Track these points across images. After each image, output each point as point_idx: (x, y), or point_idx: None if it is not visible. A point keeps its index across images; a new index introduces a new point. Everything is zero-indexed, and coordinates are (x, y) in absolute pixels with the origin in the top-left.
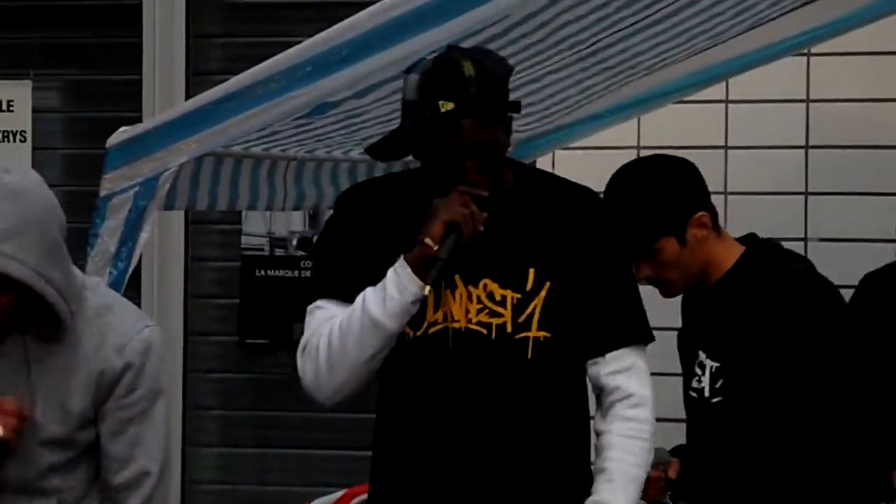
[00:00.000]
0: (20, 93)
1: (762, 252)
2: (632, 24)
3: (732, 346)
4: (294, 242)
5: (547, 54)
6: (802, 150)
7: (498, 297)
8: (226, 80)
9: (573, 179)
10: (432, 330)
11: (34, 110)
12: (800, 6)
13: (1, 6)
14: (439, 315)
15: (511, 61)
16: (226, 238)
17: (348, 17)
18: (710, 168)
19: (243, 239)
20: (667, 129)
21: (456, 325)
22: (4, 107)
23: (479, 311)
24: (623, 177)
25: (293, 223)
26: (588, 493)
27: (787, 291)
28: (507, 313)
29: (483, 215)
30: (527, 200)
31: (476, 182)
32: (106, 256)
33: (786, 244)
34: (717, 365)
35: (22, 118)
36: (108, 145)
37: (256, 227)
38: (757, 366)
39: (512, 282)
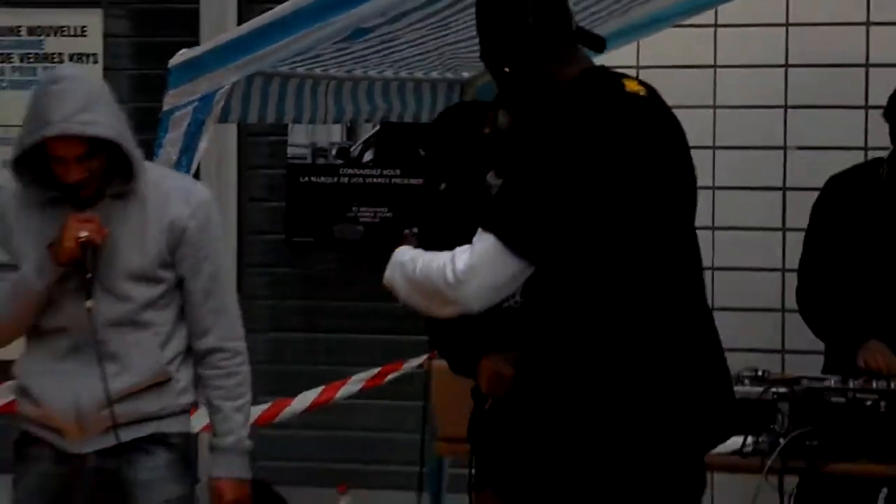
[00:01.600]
0: (92, 20)
1: None
2: None
3: None
4: (333, 152)
5: None
6: (783, 69)
7: None
8: (272, 7)
9: None
10: None
11: (105, 35)
12: None
13: None
14: None
15: None
16: (273, 148)
17: None
18: (701, 85)
19: (289, 149)
20: (662, 50)
21: None
22: (79, 32)
23: None
24: None
25: (332, 135)
26: None
27: None
28: None
29: None
30: None
31: None
32: (169, 164)
33: (768, 152)
34: None
35: (94, 42)
36: (169, 66)
37: (300, 139)
38: None
39: None
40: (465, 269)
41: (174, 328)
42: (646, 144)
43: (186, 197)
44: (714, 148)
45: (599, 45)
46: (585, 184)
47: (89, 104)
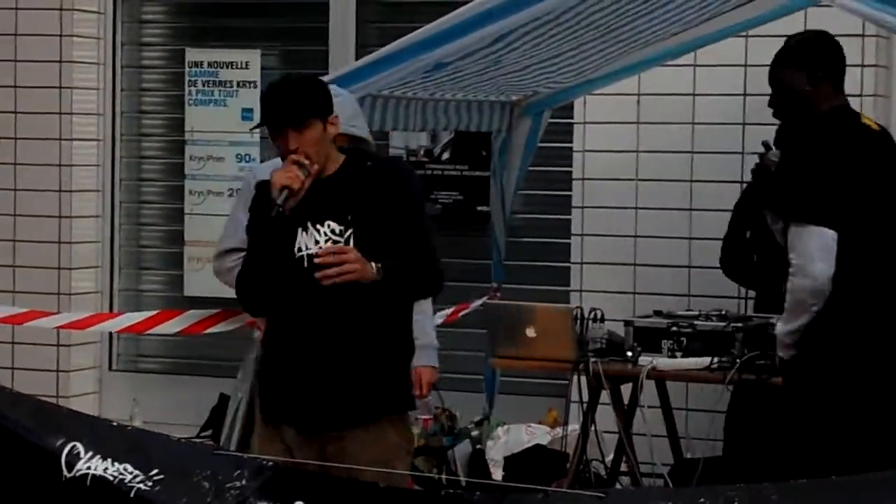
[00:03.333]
0: (252, 57)
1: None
2: (635, 12)
3: None
4: (421, 152)
5: (581, 31)
6: (741, 98)
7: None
8: (377, 49)
9: (598, 114)
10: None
11: (262, 68)
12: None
13: (242, 3)
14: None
15: (556, 37)
16: (380, 149)
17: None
18: (683, 108)
19: (390, 150)
20: (656, 81)
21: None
22: (243, 65)
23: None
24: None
25: (420, 140)
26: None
27: None
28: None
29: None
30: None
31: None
32: None
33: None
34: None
35: (254, 73)
36: None
37: (398, 142)
38: None
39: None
40: (792, 258)
41: None
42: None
43: None
44: None
45: None
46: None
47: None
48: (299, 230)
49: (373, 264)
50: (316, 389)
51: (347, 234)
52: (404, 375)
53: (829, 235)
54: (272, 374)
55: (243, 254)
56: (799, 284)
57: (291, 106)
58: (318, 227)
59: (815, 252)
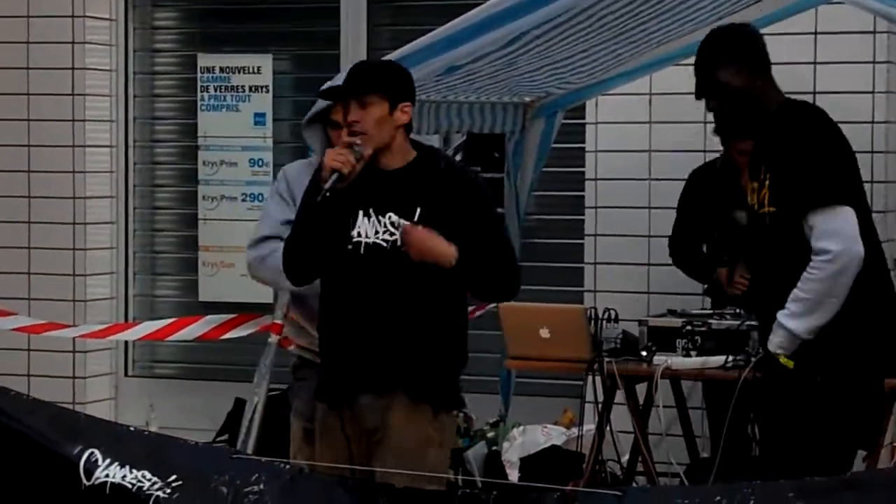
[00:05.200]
0: (265, 62)
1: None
2: (647, 13)
3: None
4: None
5: (593, 32)
6: None
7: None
8: (389, 53)
9: (610, 114)
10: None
11: (273, 72)
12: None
13: (253, 8)
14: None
15: (569, 38)
16: None
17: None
18: (694, 107)
19: None
20: (668, 81)
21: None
22: (255, 70)
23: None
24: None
25: (433, 141)
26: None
27: None
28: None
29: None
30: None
31: None
32: None
33: None
34: None
35: (266, 77)
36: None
37: None
38: None
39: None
40: (829, 245)
41: None
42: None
43: None
44: None
45: None
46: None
47: None
48: (360, 215)
49: (454, 248)
50: (366, 374)
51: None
52: (453, 376)
53: (854, 215)
54: (327, 356)
55: (278, 241)
56: (840, 269)
57: (360, 77)
58: (381, 217)
59: (853, 232)
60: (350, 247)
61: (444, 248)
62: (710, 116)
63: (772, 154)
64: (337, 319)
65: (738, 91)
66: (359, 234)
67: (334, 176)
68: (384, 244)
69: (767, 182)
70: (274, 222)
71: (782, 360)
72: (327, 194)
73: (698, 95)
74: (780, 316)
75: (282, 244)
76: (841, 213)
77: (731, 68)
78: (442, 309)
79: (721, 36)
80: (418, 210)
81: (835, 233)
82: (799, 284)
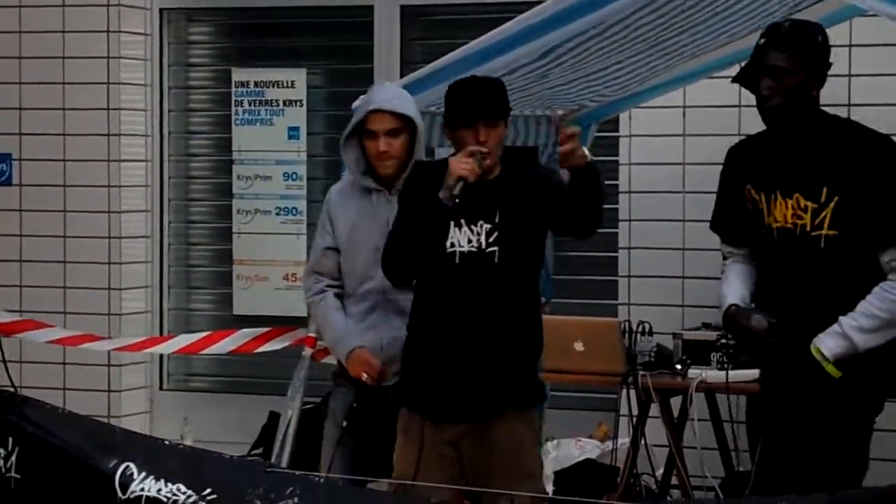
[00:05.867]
0: (298, 76)
1: None
2: (680, 26)
3: None
4: None
5: (627, 45)
6: None
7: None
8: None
9: (644, 127)
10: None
11: (308, 87)
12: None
13: (287, 23)
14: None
15: (602, 50)
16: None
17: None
18: (729, 119)
19: None
20: (702, 93)
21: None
22: (289, 84)
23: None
24: None
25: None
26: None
27: None
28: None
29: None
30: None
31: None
32: None
33: None
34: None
35: (300, 91)
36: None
37: (443, 154)
38: None
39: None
40: None
41: None
42: None
43: None
44: None
45: None
46: None
47: (402, 96)
48: (452, 225)
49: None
50: (457, 379)
51: (494, 235)
52: (534, 370)
53: None
54: (416, 362)
55: (324, 280)
56: None
57: (492, 101)
58: (472, 226)
59: None
60: (446, 255)
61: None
62: (745, 129)
63: (845, 178)
64: (432, 329)
65: (804, 97)
66: (452, 245)
67: (460, 183)
68: (476, 251)
69: (833, 205)
70: (318, 253)
71: (829, 367)
72: (457, 200)
73: (743, 78)
74: (847, 326)
75: (330, 291)
76: None
77: (804, 71)
78: (529, 312)
79: (793, 28)
80: (498, 214)
81: None
82: (873, 301)
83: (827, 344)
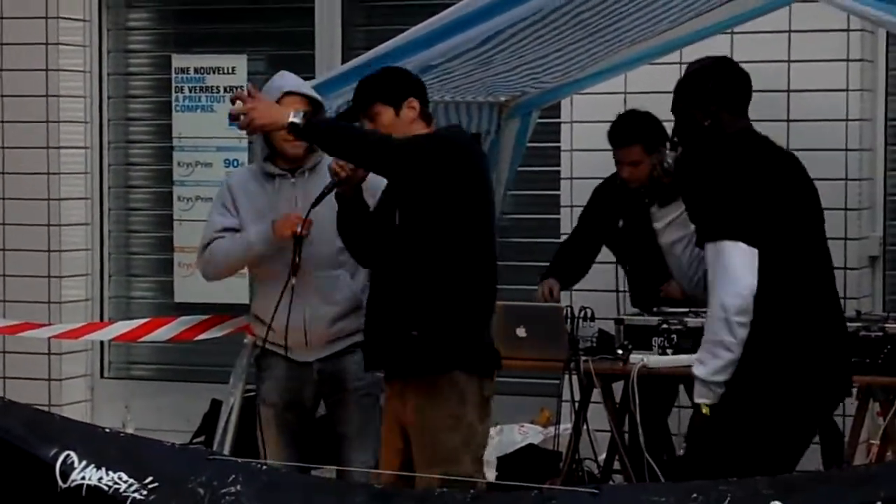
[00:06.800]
0: (239, 62)
1: None
2: (621, 12)
3: None
4: None
5: (567, 31)
6: None
7: None
8: (363, 53)
9: (582, 114)
10: None
11: (248, 73)
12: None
13: (227, 9)
14: None
15: (543, 37)
16: None
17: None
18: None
19: None
20: (642, 80)
21: None
22: (230, 71)
23: None
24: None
25: None
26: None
27: None
28: None
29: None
30: None
31: None
32: None
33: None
34: None
35: (240, 78)
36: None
37: None
38: None
39: None
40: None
41: (357, 266)
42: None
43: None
44: None
45: None
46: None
47: (304, 82)
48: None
49: (291, 113)
50: (390, 337)
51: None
52: (472, 334)
53: (748, 251)
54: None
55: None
56: (725, 304)
57: (361, 93)
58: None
59: (737, 267)
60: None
61: (269, 120)
62: None
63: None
64: (378, 297)
65: (693, 127)
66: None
67: (333, 179)
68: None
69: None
70: (211, 233)
71: (704, 409)
72: (325, 192)
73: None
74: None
75: (220, 237)
76: (727, 247)
77: (688, 106)
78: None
79: (691, 70)
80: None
81: (719, 267)
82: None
83: (695, 390)
